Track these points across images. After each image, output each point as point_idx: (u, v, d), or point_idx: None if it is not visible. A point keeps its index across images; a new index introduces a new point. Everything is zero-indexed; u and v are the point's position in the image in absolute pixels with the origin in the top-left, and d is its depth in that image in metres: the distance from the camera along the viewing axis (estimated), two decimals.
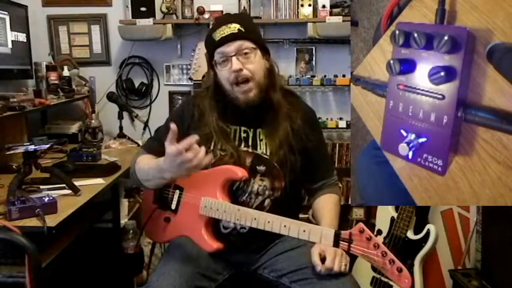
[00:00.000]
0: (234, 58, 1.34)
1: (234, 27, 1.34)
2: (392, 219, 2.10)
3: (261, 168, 1.41)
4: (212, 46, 1.39)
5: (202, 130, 1.43)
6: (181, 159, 1.12)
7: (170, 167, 1.17)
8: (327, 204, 1.44)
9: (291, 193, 1.44)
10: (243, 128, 1.45)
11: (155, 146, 1.45)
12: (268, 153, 1.41)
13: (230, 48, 1.35)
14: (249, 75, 1.35)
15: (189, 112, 1.50)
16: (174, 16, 2.68)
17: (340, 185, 1.56)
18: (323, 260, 1.23)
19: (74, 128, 2.57)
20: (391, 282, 2.01)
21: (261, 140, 1.44)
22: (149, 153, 1.44)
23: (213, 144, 1.43)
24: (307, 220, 1.36)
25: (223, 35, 1.35)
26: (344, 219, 2.61)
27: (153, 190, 1.53)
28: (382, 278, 2.05)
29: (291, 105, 1.45)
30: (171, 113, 2.65)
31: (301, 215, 1.58)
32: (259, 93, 1.38)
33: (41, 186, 1.61)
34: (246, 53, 1.35)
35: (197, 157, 1.12)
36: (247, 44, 1.35)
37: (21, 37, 2.40)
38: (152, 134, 2.07)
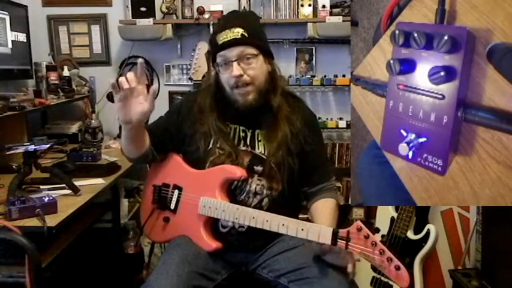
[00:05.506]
0: (235, 63, 1.33)
1: (238, 32, 1.33)
2: (392, 219, 2.09)
3: (258, 168, 1.41)
4: (215, 48, 1.38)
5: (200, 127, 1.44)
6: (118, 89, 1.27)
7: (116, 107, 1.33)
8: (324, 209, 1.43)
9: (289, 194, 1.43)
10: (241, 128, 1.45)
11: (152, 127, 1.52)
12: (265, 154, 1.41)
13: (232, 53, 1.34)
14: (249, 81, 1.35)
15: (187, 107, 1.50)
16: (174, 16, 2.68)
17: (339, 184, 1.55)
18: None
19: (74, 128, 2.57)
20: (391, 282, 2.01)
21: (259, 141, 1.43)
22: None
23: (212, 142, 1.43)
24: (307, 220, 1.35)
25: (226, 40, 1.34)
26: (344, 219, 2.61)
27: (153, 190, 1.54)
28: (382, 278, 2.05)
29: (292, 108, 1.45)
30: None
31: (301, 215, 1.57)
32: (258, 97, 1.37)
33: (41, 186, 1.61)
34: (247, 58, 1.34)
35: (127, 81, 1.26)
36: (249, 50, 1.34)
37: (21, 37, 2.40)
38: None
